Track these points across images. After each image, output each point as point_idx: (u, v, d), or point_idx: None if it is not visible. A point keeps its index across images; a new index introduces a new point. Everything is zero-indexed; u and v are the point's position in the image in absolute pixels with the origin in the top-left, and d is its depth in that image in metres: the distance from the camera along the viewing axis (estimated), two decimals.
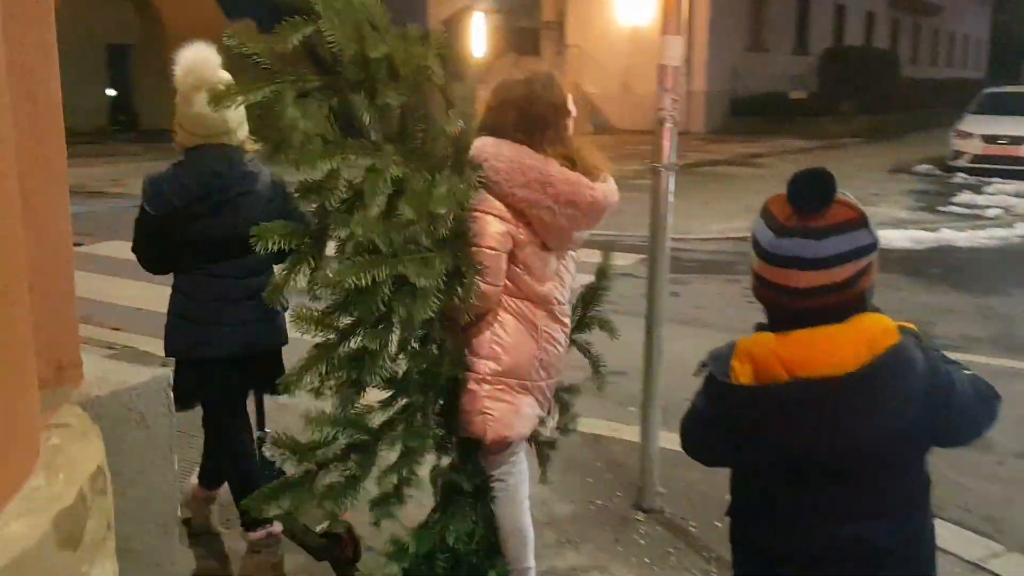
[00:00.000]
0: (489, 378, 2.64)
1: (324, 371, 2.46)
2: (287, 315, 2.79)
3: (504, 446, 2.73)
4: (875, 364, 1.58)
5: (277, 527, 3.09)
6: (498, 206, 2.57)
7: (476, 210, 2.55)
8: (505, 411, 2.65)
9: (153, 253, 3.06)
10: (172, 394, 2.65)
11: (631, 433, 4.20)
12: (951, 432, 1.72)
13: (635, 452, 3.95)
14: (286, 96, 2.28)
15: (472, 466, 2.78)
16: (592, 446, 4.40)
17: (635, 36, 25.89)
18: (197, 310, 3.05)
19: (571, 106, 2.70)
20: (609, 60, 26.23)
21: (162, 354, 3.16)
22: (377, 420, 2.60)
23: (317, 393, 2.51)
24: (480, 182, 2.55)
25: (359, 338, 2.45)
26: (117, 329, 6.37)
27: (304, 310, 2.44)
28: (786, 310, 1.66)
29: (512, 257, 2.62)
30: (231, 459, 3.23)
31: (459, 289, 2.50)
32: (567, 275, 2.76)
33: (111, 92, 25.19)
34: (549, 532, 3.60)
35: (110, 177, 15.10)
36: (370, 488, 2.62)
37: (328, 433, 2.51)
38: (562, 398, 3.05)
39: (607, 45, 26.25)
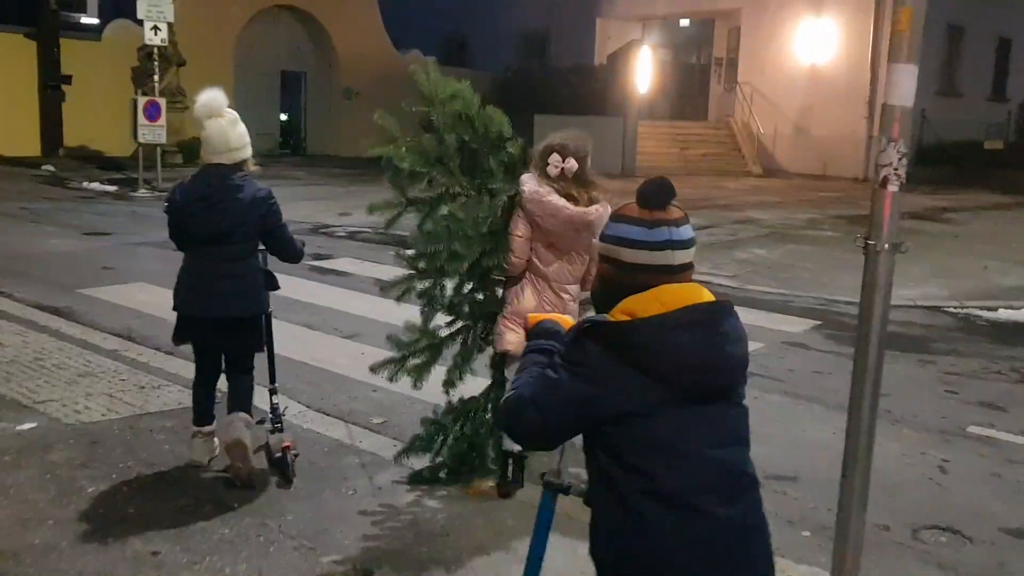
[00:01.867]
0: (508, 315, 4.12)
1: (401, 293, 4.12)
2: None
3: (507, 356, 4.14)
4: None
5: (238, 417, 4.26)
6: (524, 213, 4.01)
7: (513, 213, 4.09)
8: (507, 335, 4.08)
9: (172, 236, 4.16)
10: (174, 332, 4.27)
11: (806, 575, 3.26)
12: None
13: None
14: (401, 150, 3.99)
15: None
16: None
17: (813, 75, 24.50)
18: (189, 280, 4.13)
19: (587, 157, 4.00)
20: (783, 100, 24.97)
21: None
22: (443, 333, 4.24)
23: (398, 301, 4.13)
24: (515, 199, 4.08)
25: (425, 281, 4.11)
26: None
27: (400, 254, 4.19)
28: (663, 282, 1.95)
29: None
30: (201, 388, 4.33)
31: (499, 259, 4.07)
32: (569, 266, 4.11)
33: (283, 117, 25.93)
34: None
35: None
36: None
37: (416, 336, 4.16)
38: None
39: (782, 84, 24.99)
